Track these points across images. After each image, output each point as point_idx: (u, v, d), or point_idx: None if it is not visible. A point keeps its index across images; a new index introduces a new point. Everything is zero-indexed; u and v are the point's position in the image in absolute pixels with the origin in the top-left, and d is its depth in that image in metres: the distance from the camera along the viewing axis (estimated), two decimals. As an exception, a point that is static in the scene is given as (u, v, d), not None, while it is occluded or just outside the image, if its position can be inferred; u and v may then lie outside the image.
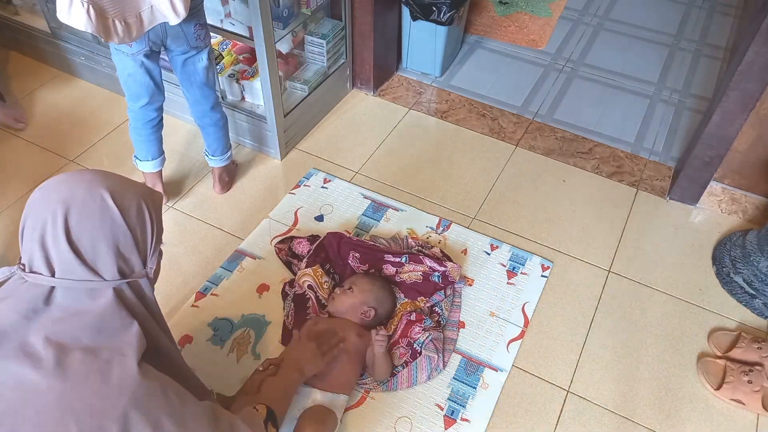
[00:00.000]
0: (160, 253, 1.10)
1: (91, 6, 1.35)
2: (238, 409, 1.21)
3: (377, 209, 2.02)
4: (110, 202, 0.98)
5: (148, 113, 1.77)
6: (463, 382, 1.59)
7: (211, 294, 1.76)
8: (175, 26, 1.58)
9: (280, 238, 1.91)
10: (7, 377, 0.90)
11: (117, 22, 1.42)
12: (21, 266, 0.97)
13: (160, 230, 1.08)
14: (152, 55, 1.64)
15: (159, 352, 1.08)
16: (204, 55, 1.72)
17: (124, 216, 0.99)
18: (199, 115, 1.87)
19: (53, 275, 0.96)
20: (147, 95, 1.72)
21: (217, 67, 2.13)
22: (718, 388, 1.59)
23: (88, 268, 0.96)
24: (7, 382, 0.90)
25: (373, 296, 1.62)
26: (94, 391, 0.91)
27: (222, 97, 2.15)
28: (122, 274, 1.00)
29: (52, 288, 0.96)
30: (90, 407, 0.91)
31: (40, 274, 0.96)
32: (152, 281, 1.08)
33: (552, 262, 1.89)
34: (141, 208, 1.03)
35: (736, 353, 1.65)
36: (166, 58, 1.73)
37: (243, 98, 2.18)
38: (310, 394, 1.44)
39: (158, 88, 1.73)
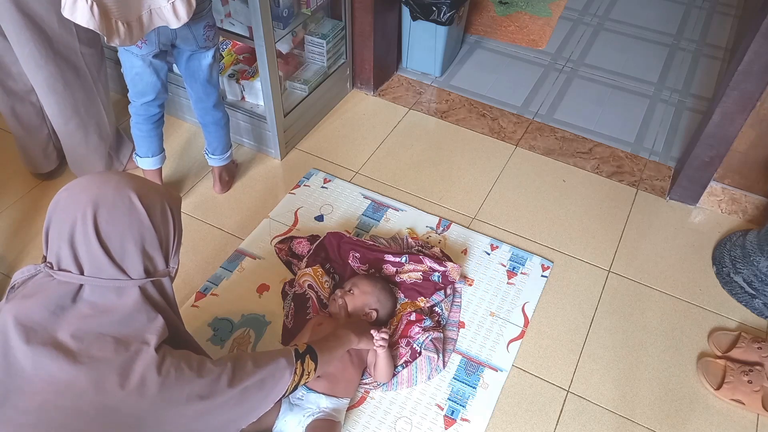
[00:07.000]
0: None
1: (95, 3, 1.35)
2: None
3: (377, 209, 2.02)
4: (137, 202, 1.01)
5: (150, 109, 1.78)
6: (463, 382, 1.59)
7: (211, 294, 1.76)
8: (184, 28, 1.58)
9: (280, 238, 1.91)
10: (41, 371, 0.93)
11: (120, 23, 1.43)
12: (48, 264, 0.99)
13: (181, 231, 1.12)
14: (160, 54, 1.65)
15: (178, 339, 1.12)
16: (210, 53, 1.72)
17: (150, 216, 1.02)
18: (202, 112, 1.87)
19: (81, 273, 0.98)
20: (153, 93, 1.73)
21: (217, 66, 2.13)
22: (718, 388, 1.59)
23: (116, 266, 0.99)
24: (41, 376, 0.93)
25: (374, 298, 1.62)
26: (123, 380, 0.95)
27: (222, 97, 2.15)
28: (147, 273, 1.03)
29: (80, 286, 0.99)
30: (125, 395, 0.95)
31: (69, 272, 0.97)
32: (173, 280, 1.11)
33: (552, 262, 1.89)
34: (165, 209, 1.06)
35: (736, 353, 1.65)
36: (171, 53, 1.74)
37: (243, 98, 2.18)
38: (316, 399, 1.43)
39: (164, 86, 1.74)
